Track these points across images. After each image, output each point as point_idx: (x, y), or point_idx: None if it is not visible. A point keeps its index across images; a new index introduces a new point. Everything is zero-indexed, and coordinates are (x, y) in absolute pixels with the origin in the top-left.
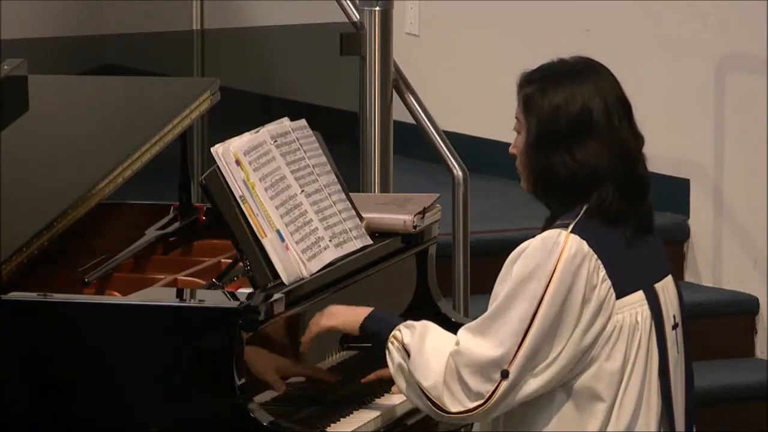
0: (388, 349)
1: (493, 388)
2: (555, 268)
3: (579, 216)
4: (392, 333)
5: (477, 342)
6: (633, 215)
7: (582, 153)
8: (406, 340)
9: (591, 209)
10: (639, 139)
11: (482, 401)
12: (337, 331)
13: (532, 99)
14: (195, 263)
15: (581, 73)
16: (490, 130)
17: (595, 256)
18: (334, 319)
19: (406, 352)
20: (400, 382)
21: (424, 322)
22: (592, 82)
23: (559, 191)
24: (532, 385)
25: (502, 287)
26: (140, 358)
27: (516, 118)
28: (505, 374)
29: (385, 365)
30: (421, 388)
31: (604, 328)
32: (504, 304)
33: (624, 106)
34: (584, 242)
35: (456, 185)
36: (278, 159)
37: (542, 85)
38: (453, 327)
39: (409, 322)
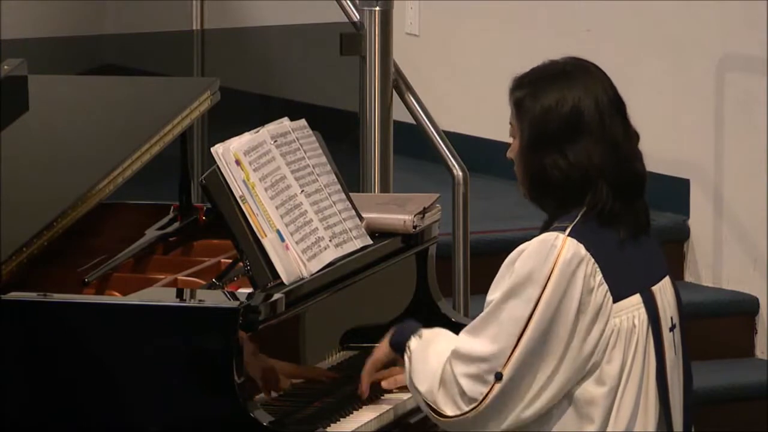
0: (405, 359)
1: (487, 390)
2: (551, 272)
3: (576, 219)
4: (407, 343)
5: (471, 341)
6: (628, 214)
7: (574, 153)
8: (413, 347)
9: (588, 212)
10: (633, 137)
11: (476, 404)
12: (383, 359)
13: (524, 103)
14: (195, 263)
15: (571, 74)
16: (490, 130)
17: (592, 259)
18: (377, 351)
19: (410, 361)
20: (411, 390)
21: (437, 329)
22: (582, 83)
23: (554, 193)
24: (542, 399)
25: (497, 287)
26: (140, 358)
27: (510, 123)
28: (498, 377)
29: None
30: (419, 393)
31: (602, 333)
32: (499, 305)
33: (616, 105)
34: (581, 246)
35: (456, 185)
36: (278, 159)
37: (532, 89)
38: (453, 327)
39: (424, 330)
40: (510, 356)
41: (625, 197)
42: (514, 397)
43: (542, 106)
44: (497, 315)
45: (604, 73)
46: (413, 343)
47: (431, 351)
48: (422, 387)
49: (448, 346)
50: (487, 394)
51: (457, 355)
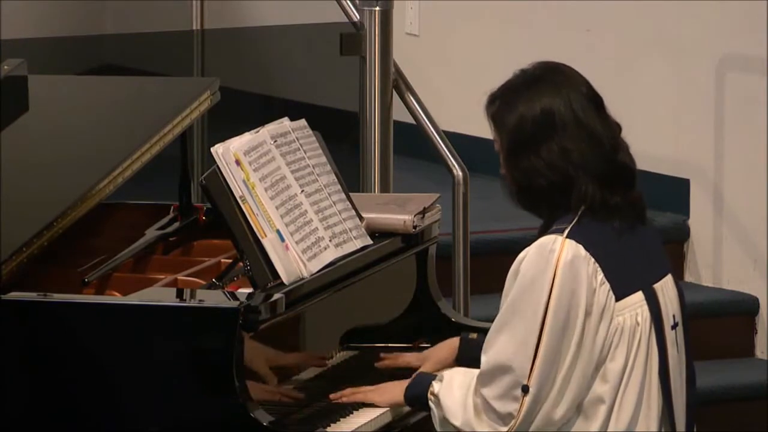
0: (430, 408)
1: (518, 405)
2: (554, 276)
3: (574, 221)
4: (429, 391)
5: (488, 356)
6: (621, 206)
7: (551, 153)
8: (437, 390)
9: (585, 211)
10: (614, 128)
11: (513, 421)
12: (390, 406)
13: (498, 116)
14: (195, 263)
15: (540, 78)
16: (490, 130)
17: (593, 259)
18: (385, 395)
19: (439, 401)
20: (442, 428)
21: (455, 368)
22: (552, 84)
23: (541, 198)
24: (566, 400)
25: (505, 299)
26: (140, 358)
27: (494, 140)
28: (525, 389)
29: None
30: (455, 427)
31: (607, 332)
32: (508, 316)
33: (591, 99)
34: (580, 246)
35: (456, 185)
36: (278, 159)
37: (504, 101)
38: (453, 327)
39: (440, 373)
40: (532, 367)
41: (614, 189)
42: (541, 403)
43: (515, 115)
44: (508, 325)
45: (575, 72)
46: (436, 387)
47: (455, 385)
48: (457, 421)
49: (467, 377)
50: (519, 409)
51: (481, 378)
